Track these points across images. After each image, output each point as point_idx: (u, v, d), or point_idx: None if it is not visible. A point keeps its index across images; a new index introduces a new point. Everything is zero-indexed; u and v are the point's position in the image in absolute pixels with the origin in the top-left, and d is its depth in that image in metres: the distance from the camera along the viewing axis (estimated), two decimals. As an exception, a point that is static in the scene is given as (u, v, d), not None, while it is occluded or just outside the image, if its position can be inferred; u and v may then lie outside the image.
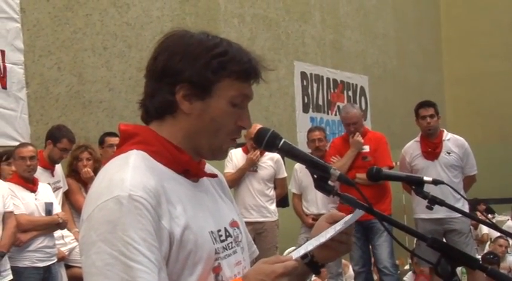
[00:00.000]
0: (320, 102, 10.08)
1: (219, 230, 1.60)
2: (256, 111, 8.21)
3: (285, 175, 6.77)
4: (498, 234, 8.84)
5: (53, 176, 5.68)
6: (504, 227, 8.82)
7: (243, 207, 6.32)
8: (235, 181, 6.36)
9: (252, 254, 1.82)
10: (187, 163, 1.60)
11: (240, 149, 6.54)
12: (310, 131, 7.01)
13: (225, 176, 1.88)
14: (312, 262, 1.73)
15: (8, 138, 5.72)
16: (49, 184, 5.50)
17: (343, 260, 7.24)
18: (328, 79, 10.31)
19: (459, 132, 6.96)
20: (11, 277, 4.86)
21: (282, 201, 7.14)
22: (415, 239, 5.12)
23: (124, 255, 1.38)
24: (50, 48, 6.15)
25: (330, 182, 1.66)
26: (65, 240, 5.56)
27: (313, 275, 5.46)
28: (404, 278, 8.39)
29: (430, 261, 1.66)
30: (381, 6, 12.26)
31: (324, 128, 8.01)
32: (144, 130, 1.61)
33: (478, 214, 7.52)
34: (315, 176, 1.65)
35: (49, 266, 5.18)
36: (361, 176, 5.72)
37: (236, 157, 6.48)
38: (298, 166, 6.70)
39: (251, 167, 6.46)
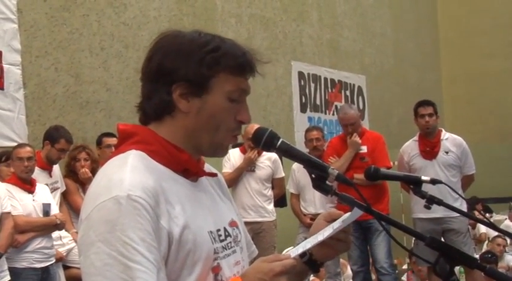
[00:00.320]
0: (318, 102, 10.08)
1: (218, 230, 1.60)
2: (254, 111, 8.13)
3: (283, 174, 6.77)
4: (496, 233, 8.85)
5: (50, 176, 5.67)
6: (502, 227, 8.82)
7: (241, 207, 6.31)
8: (233, 181, 6.35)
9: (251, 254, 1.81)
10: (187, 162, 1.59)
11: (237, 149, 6.54)
12: (307, 130, 7.02)
13: (223, 176, 1.88)
14: (310, 261, 1.73)
15: (6, 139, 5.71)
16: (47, 184, 5.49)
17: (341, 260, 7.24)
18: (325, 79, 10.32)
19: (457, 131, 6.97)
20: (8, 277, 4.85)
21: (280, 201, 7.15)
22: (413, 238, 5.12)
23: (123, 255, 1.37)
24: (47, 49, 6.14)
25: (328, 181, 1.66)
26: (63, 241, 5.55)
27: (312, 275, 5.46)
28: (403, 278, 8.40)
29: (428, 260, 1.66)
30: (378, 5, 12.27)
31: (322, 127, 8.02)
32: (142, 130, 1.61)
33: (476, 213, 7.53)
34: (313, 176, 1.65)
35: (47, 267, 5.17)
36: (359, 176, 5.71)
37: (234, 157, 6.48)
38: (296, 166, 6.70)
39: (249, 166, 6.46)
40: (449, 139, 6.31)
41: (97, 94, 6.59)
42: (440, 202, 2.56)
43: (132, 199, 1.41)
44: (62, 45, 6.28)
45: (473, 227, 9.80)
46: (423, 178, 2.59)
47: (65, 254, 5.53)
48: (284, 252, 1.63)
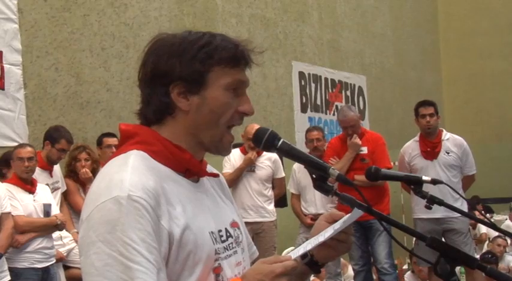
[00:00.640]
0: (318, 102, 10.08)
1: (219, 231, 1.60)
2: (255, 111, 8.19)
3: (283, 174, 6.77)
4: (497, 234, 8.84)
5: (51, 176, 5.67)
6: (502, 227, 8.81)
7: (241, 207, 6.31)
8: (233, 181, 6.35)
9: (252, 255, 1.81)
10: (188, 162, 1.59)
11: (237, 149, 6.54)
12: (308, 131, 7.02)
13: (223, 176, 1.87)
14: (311, 262, 1.72)
15: (6, 139, 5.71)
16: (47, 184, 5.49)
17: (342, 260, 7.24)
18: (326, 79, 10.32)
19: (457, 131, 6.97)
20: (8, 278, 4.85)
21: (280, 201, 7.15)
22: (414, 238, 5.12)
23: (123, 255, 1.37)
24: (47, 49, 6.14)
25: (328, 182, 1.66)
26: (63, 241, 5.55)
27: (312, 275, 5.47)
28: (405, 277, 8.39)
29: (429, 261, 1.66)
30: (379, 5, 12.26)
31: (322, 128, 8.02)
32: (144, 130, 1.61)
33: (477, 213, 7.52)
34: (314, 176, 1.65)
35: (47, 267, 5.17)
36: (360, 178, 5.72)
37: (234, 157, 6.48)
38: (297, 166, 6.70)
39: (249, 167, 6.46)
40: (450, 139, 6.31)
41: (97, 94, 6.59)
42: (441, 202, 2.56)
43: (132, 200, 1.41)
44: (63, 45, 6.28)
45: (474, 227, 9.79)
46: (424, 178, 2.59)
47: (65, 254, 5.53)
48: (284, 252, 1.64)
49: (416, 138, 6.43)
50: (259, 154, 6.48)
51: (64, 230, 5.48)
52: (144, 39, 6.96)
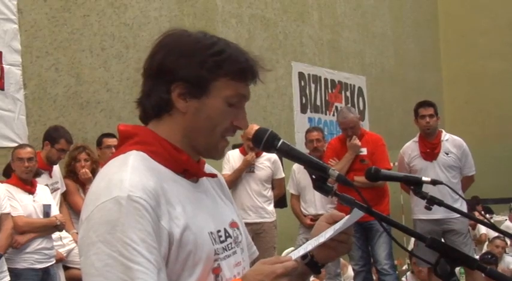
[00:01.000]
0: (318, 102, 10.07)
1: (218, 231, 1.60)
2: (254, 112, 8.21)
3: (283, 175, 6.76)
4: (496, 234, 8.83)
5: (50, 177, 5.67)
6: (502, 228, 8.81)
7: (241, 208, 6.31)
8: (233, 182, 6.35)
9: (251, 255, 1.81)
10: (186, 163, 1.59)
11: (237, 150, 6.54)
12: (308, 131, 7.01)
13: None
14: (312, 262, 1.72)
15: (6, 140, 5.71)
16: (47, 185, 5.49)
17: (342, 260, 7.23)
18: (326, 79, 10.31)
19: (457, 132, 6.97)
20: (8, 278, 4.85)
21: (280, 202, 7.14)
22: (413, 239, 5.12)
23: (123, 256, 1.37)
24: (47, 49, 6.14)
25: (328, 182, 1.66)
26: (63, 241, 5.55)
27: (312, 276, 5.46)
28: (403, 279, 8.39)
29: (429, 261, 1.66)
30: (379, 5, 12.26)
31: (322, 128, 8.01)
32: (143, 130, 1.61)
33: (476, 214, 7.53)
34: (314, 177, 1.65)
35: (47, 267, 5.17)
36: (360, 179, 5.71)
37: (233, 158, 6.48)
38: (297, 167, 6.70)
39: (248, 168, 6.46)
40: (449, 140, 6.30)
41: (97, 94, 6.59)
42: (441, 203, 2.56)
43: (132, 200, 1.41)
44: (63, 45, 6.28)
45: (473, 228, 9.79)
46: (424, 178, 2.59)
47: (65, 254, 5.53)
48: (285, 253, 1.64)
49: (416, 139, 6.43)
50: (258, 155, 6.48)
51: (64, 230, 5.48)
52: (144, 39, 6.97)
